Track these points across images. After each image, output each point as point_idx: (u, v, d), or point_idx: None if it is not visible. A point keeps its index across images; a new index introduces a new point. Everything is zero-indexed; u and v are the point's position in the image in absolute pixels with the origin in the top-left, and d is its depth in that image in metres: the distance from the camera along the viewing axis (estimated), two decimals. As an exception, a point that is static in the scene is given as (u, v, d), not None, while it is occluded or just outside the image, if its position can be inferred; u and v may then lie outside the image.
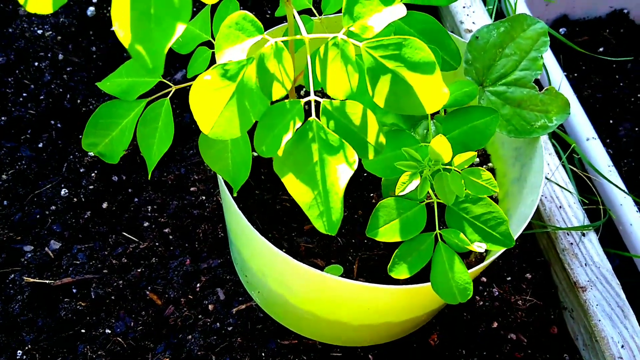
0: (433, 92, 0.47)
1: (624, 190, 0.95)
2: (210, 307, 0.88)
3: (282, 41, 0.48)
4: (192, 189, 0.97)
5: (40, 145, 1.00)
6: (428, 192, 0.55)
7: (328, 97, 0.49)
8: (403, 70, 0.47)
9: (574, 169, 0.99)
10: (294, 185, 0.48)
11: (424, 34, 0.62)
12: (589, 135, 1.01)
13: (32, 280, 0.88)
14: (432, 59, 0.46)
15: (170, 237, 0.94)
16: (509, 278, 0.94)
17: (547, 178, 0.95)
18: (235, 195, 0.63)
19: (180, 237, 0.94)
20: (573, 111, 1.04)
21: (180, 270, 0.91)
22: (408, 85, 0.47)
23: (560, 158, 0.97)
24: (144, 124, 0.61)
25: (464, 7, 1.12)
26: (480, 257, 0.79)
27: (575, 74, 1.16)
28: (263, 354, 0.84)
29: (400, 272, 0.55)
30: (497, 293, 0.92)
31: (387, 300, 0.63)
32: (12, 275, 0.88)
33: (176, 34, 0.38)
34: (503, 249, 0.57)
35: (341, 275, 0.72)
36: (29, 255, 0.90)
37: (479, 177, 0.52)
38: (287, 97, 0.50)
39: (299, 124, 0.47)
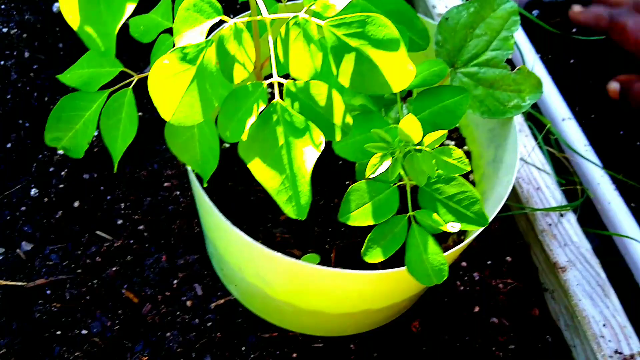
0: (398, 69, 0.46)
1: (601, 167, 0.95)
2: (189, 303, 0.87)
3: (243, 22, 0.46)
4: (165, 184, 0.96)
5: (9, 145, 0.97)
6: (400, 174, 0.54)
7: (293, 79, 0.48)
8: (367, 48, 0.46)
9: (551, 149, 0.99)
10: (260, 171, 0.47)
11: (391, 14, 0.61)
12: (565, 115, 1.01)
13: (4, 282, 0.86)
14: (397, 36, 0.45)
15: (145, 234, 0.92)
16: (489, 262, 0.93)
17: (524, 160, 0.94)
18: (205, 185, 0.62)
19: (155, 233, 0.92)
20: (547, 92, 1.04)
21: (156, 267, 0.89)
22: (373, 64, 0.46)
23: (536, 139, 0.97)
24: (107, 115, 0.59)
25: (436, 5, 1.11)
26: (459, 240, 0.78)
27: (550, 56, 1.16)
28: (244, 349, 0.83)
29: (374, 256, 0.54)
30: (477, 277, 0.91)
31: (364, 286, 0.62)
32: (-16, 279, 0.86)
33: (126, 14, 0.37)
34: (479, 229, 0.56)
35: (318, 264, 0.71)
36: (0, 258, 0.88)
37: (450, 155, 0.51)
38: (249, 80, 0.48)
39: (262, 106, 0.46)
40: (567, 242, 0.88)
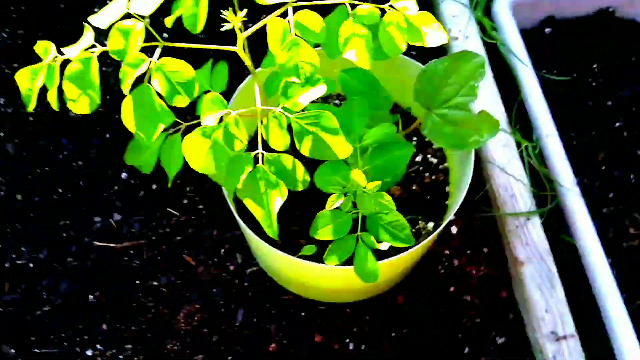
0: (340, 147, 0.70)
1: (574, 179, 1.13)
2: (231, 267, 1.16)
3: (240, 114, 0.72)
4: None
5: (108, 135, 1.28)
6: (354, 204, 0.79)
7: (271, 151, 0.73)
8: (320, 132, 0.70)
9: (530, 160, 1.18)
10: (251, 206, 0.73)
11: (363, 82, 0.84)
12: (549, 132, 1.19)
13: (100, 244, 1.18)
14: (337, 126, 0.69)
15: (204, 212, 1.21)
16: (468, 252, 1.16)
17: (504, 170, 1.15)
18: (230, 198, 0.89)
19: (211, 212, 1.21)
20: (538, 108, 1.21)
21: (209, 239, 1.18)
22: (324, 142, 0.71)
23: (519, 148, 1.16)
24: (164, 150, 0.86)
25: (453, 16, 1.30)
26: (428, 234, 1.02)
27: (555, 71, 1.32)
28: (267, 305, 1.12)
29: (332, 260, 0.80)
30: (456, 264, 1.14)
31: (335, 274, 0.88)
32: (86, 239, 1.19)
33: (161, 127, 0.63)
34: (406, 245, 0.80)
35: (315, 253, 0.97)
36: (98, 226, 1.20)
37: (382, 198, 0.75)
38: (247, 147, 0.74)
39: (250, 169, 0.72)
40: (528, 242, 1.09)
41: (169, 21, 0.71)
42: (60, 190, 1.23)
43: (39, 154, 1.26)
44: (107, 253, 1.18)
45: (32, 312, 1.13)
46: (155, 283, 1.15)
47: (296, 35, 0.68)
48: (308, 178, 0.72)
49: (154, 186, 1.24)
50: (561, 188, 1.14)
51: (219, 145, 0.72)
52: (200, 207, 1.22)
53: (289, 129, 0.72)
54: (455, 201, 0.95)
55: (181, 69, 0.65)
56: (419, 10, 0.73)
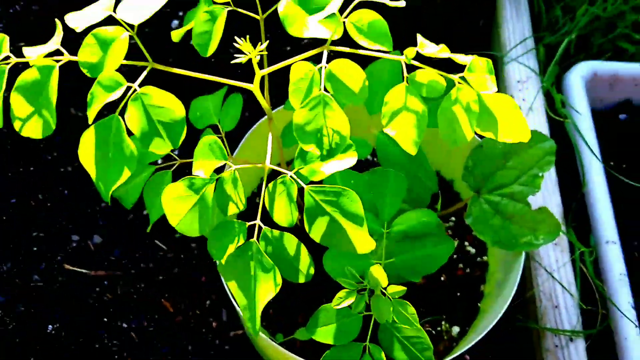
0: (361, 240, 0.53)
1: (631, 300, 0.95)
2: (214, 324, 0.99)
3: (239, 169, 0.56)
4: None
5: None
6: (367, 304, 0.61)
7: (270, 228, 0.56)
8: (338, 216, 0.53)
9: (584, 268, 1.00)
10: (233, 288, 0.57)
11: (405, 153, 0.67)
12: (610, 238, 1.01)
13: (71, 268, 1.02)
14: (361, 214, 0.52)
15: (195, 252, 1.05)
16: (492, 362, 0.97)
17: (551, 275, 0.96)
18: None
19: (204, 254, 1.04)
20: (601, 209, 1.03)
21: (196, 285, 1.02)
22: (342, 229, 0.54)
23: (572, 255, 0.98)
24: (150, 187, 0.70)
25: (517, 81, 1.13)
26: (450, 345, 0.84)
27: (624, 165, 1.14)
28: (245, 380, 0.95)
29: (325, 371, 0.62)
30: (477, 376, 0.96)
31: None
32: (58, 258, 1.03)
33: (124, 177, 0.47)
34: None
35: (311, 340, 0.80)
36: (74, 245, 1.04)
37: (406, 309, 0.58)
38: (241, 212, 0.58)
39: (241, 242, 0.55)
40: (567, 368, 0.90)
41: (176, 35, 0.55)
42: (40, 197, 1.08)
43: (26, 149, 1.12)
44: (78, 279, 1.02)
45: (-25, 332, 0.97)
46: (124, 325, 0.99)
47: (326, 90, 0.51)
48: (312, 271, 0.55)
49: (144, 212, 1.08)
50: (615, 309, 0.96)
51: (206, 205, 0.55)
52: (193, 245, 1.05)
53: (299, 201, 0.55)
54: (492, 311, 0.78)
55: (168, 104, 0.48)
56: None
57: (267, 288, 0.54)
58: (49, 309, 1.00)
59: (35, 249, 1.04)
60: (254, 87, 0.55)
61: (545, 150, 0.79)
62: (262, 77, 0.57)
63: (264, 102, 0.58)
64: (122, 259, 1.04)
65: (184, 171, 1.07)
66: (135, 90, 0.48)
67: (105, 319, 0.99)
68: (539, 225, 0.78)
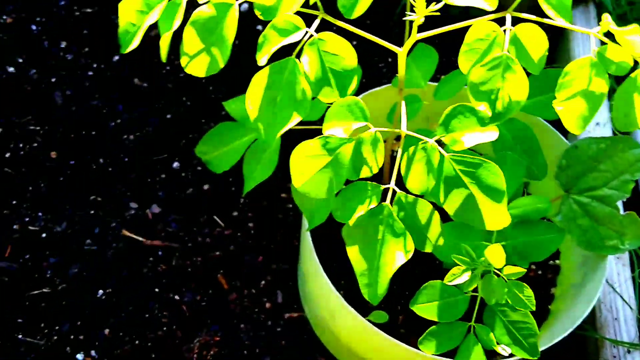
0: (497, 215, 0.53)
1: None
2: (267, 305, 0.98)
3: (381, 132, 0.55)
4: (282, 195, 1.06)
5: (169, 116, 1.12)
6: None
7: (405, 192, 0.56)
8: (474, 188, 0.53)
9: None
10: (354, 253, 0.56)
11: (518, 140, 0.67)
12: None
13: (128, 234, 1.01)
14: (503, 187, 0.52)
15: (252, 231, 1.04)
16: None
17: (612, 287, 0.96)
18: (308, 229, 0.71)
19: (260, 234, 1.03)
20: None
21: (251, 264, 1.01)
22: (475, 203, 0.53)
23: (633, 271, 0.98)
24: (253, 151, 0.69)
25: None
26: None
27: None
28: (298, 363, 0.93)
29: (429, 347, 0.61)
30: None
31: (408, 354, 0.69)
32: (113, 224, 1.02)
33: (292, 122, 0.46)
34: (527, 358, 0.62)
35: (386, 324, 0.79)
36: (132, 212, 1.03)
37: (522, 291, 0.58)
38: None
39: (374, 204, 0.55)
40: (624, 380, 0.90)
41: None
42: (101, 161, 1.07)
43: (90, 113, 1.11)
44: (133, 246, 1.00)
45: (27, 290, 0.95)
46: (177, 297, 0.97)
47: (507, 53, 0.51)
48: (441, 242, 0.55)
49: (206, 186, 1.07)
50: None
51: (340, 166, 0.54)
52: (251, 224, 1.04)
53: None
54: (570, 314, 0.77)
55: (343, 52, 0.48)
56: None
57: (397, 255, 0.54)
58: (100, 274, 0.98)
59: (91, 212, 1.03)
60: (402, 52, 0.55)
61: (636, 156, 0.79)
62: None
63: (402, 69, 0.57)
64: (179, 231, 1.02)
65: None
66: (311, 35, 0.48)
67: (157, 289, 0.98)
68: (626, 229, 0.78)
